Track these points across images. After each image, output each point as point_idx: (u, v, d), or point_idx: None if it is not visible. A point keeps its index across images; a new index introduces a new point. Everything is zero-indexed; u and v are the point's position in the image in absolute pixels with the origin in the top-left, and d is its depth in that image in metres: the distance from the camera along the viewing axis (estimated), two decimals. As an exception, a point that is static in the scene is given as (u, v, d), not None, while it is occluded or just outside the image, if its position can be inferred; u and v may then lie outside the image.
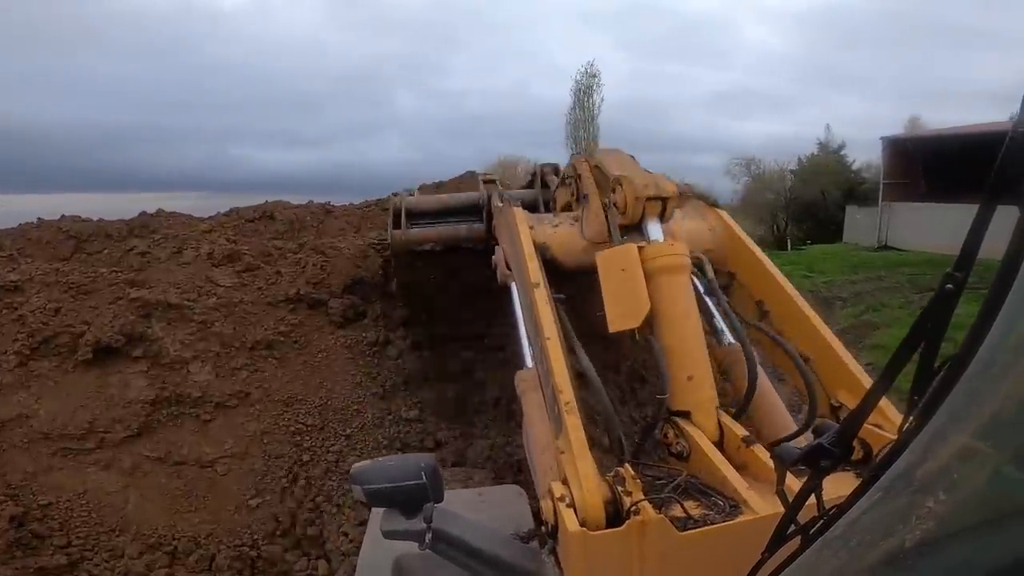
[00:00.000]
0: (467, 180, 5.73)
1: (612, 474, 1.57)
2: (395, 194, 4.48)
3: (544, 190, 4.20)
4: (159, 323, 4.31)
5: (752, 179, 26.25)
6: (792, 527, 0.80)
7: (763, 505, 1.48)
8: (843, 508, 0.64)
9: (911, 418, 0.60)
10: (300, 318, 4.62)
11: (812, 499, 0.80)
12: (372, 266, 4.98)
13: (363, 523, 3.86)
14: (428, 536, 1.40)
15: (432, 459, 1.42)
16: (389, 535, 1.41)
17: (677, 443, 1.89)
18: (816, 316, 2.15)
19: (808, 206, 23.44)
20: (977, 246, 0.56)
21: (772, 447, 1.63)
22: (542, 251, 2.32)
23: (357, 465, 1.40)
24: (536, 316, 1.99)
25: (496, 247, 2.78)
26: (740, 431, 1.82)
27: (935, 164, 14.22)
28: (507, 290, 2.50)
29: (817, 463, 0.76)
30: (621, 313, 1.97)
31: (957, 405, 0.49)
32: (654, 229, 2.17)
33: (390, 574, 1.79)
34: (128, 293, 4.38)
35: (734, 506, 1.53)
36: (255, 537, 4.00)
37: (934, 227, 13.49)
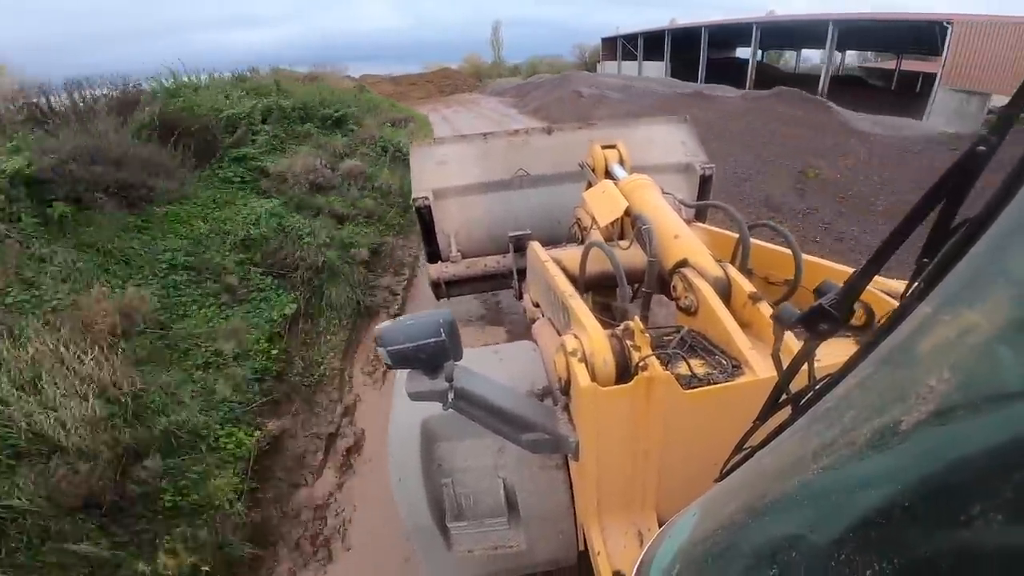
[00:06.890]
0: (440, 72, 20.77)
1: (622, 327, 1.55)
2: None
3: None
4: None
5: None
6: (785, 395, 0.78)
7: (764, 367, 1.48)
8: (836, 378, 0.62)
9: (916, 284, 0.54)
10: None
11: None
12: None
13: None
14: (450, 395, 1.42)
15: (449, 314, 1.37)
16: (414, 396, 1.42)
17: (686, 296, 1.90)
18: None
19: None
20: (1013, 118, 0.51)
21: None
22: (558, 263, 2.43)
23: (380, 326, 1.36)
24: (554, 286, 2.05)
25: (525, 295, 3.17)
26: (748, 287, 1.82)
27: (621, 46, 32.32)
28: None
29: (816, 326, 0.71)
30: (607, 212, 2.41)
31: (969, 272, 0.43)
32: (619, 171, 2.93)
33: (419, 437, 1.89)
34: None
35: (736, 366, 1.53)
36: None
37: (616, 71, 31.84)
